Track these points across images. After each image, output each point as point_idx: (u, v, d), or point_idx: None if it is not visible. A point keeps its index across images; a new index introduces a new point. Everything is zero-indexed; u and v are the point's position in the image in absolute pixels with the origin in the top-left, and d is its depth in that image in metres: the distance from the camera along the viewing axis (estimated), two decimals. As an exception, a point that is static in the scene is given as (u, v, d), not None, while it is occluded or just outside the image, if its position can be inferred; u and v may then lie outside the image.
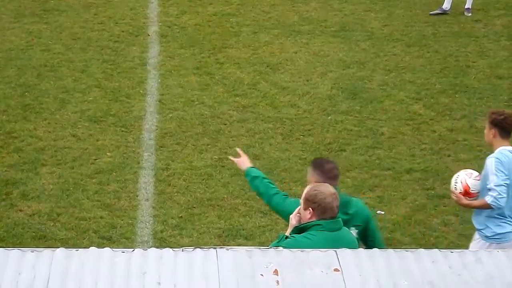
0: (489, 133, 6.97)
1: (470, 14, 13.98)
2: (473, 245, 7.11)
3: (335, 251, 4.72)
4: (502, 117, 6.91)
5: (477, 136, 10.27)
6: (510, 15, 13.93)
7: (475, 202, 6.94)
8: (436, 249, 4.70)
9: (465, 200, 6.96)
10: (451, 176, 9.32)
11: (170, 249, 4.70)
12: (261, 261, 4.61)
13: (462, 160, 9.75)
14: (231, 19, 13.86)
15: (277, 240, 5.63)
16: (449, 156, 9.86)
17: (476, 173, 7.03)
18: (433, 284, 4.45)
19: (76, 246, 8.00)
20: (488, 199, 6.79)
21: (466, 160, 9.74)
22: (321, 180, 6.01)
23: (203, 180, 9.44)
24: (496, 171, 6.79)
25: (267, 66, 12.23)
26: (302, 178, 9.40)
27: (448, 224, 8.62)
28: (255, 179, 6.38)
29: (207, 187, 9.30)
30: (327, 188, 5.64)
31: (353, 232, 6.10)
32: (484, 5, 14.28)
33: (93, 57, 12.35)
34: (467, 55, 12.49)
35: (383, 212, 8.79)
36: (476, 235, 7.07)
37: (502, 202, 6.78)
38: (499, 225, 6.94)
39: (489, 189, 6.80)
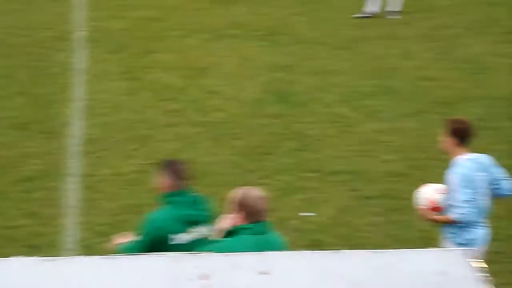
0: (447, 141, 6.88)
1: (395, 17, 14.18)
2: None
3: (263, 253, 4.74)
4: (464, 126, 6.87)
5: (403, 137, 10.42)
6: (435, 17, 14.17)
7: (442, 217, 6.91)
8: (362, 250, 4.75)
9: (432, 215, 6.95)
10: (377, 177, 9.50)
11: (97, 256, 4.66)
12: (189, 266, 4.60)
13: (388, 161, 9.87)
14: (158, 23, 13.81)
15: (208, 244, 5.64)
16: (375, 157, 9.98)
17: (441, 187, 7.00)
18: (359, 284, 4.49)
19: (0, 255, 7.86)
20: (455, 215, 6.76)
21: (392, 161, 9.87)
22: (172, 180, 6.06)
23: (130, 186, 9.38)
24: (461, 186, 6.74)
25: (195, 71, 12.22)
26: (232, 182, 9.40)
27: (374, 225, 8.71)
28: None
29: (134, 193, 9.24)
30: (256, 192, 5.67)
31: (205, 228, 6.18)
32: (408, 8, 14.50)
33: (18, 63, 12.17)
34: (392, 57, 12.67)
35: (311, 214, 8.85)
36: (446, 241, 7.00)
37: (468, 218, 6.77)
38: (469, 231, 6.93)
39: (455, 206, 6.76)
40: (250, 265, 4.61)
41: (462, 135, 6.86)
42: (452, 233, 6.93)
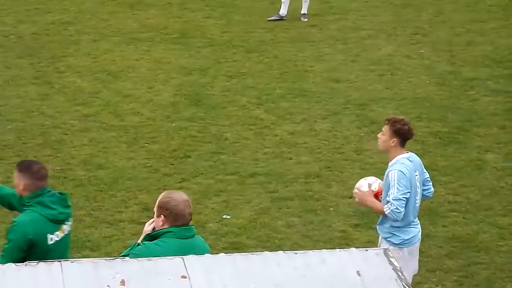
0: (389, 141, 6.91)
1: (306, 20, 14.34)
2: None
3: (182, 258, 4.74)
4: (406, 127, 6.91)
5: (317, 138, 10.54)
6: (345, 19, 14.38)
7: (378, 205, 6.94)
8: (281, 251, 4.80)
9: (370, 198, 6.95)
10: (294, 179, 9.59)
11: (13, 264, 4.59)
12: (108, 272, 4.57)
13: (303, 162, 9.98)
14: (69, 28, 13.66)
15: (129, 248, 5.60)
16: (290, 159, 10.08)
17: (376, 180, 7.09)
18: (279, 286, 4.54)
19: None
20: (386, 210, 6.82)
21: (307, 162, 9.98)
22: (31, 182, 6.03)
23: (45, 192, 9.24)
24: (398, 184, 6.79)
25: (108, 74, 12.13)
26: (148, 186, 9.39)
27: (292, 226, 8.79)
28: None
29: (50, 199, 9.10)
30: (180, 195, 5.64)
31: (71, 221, 6.21)
32: (319, 11, 14.68)
33: None
34: (305, 60, 12.81)
35: (229, 217, 8.88)
36: (384, 242, 7.05)
37: (399, 216, 6.83)
38: (405, 231, 7.00)
39: (388, 201, 6.83)
40: (169, 269, 4.62)
41: (406, 136, 6.96)
42: (390, 236, 7.01)
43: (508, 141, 10.55)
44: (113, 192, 9.22)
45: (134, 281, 4.52)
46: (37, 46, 12.90)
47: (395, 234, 7.01)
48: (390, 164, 6.98)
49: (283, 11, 14.31)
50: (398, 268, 4.70)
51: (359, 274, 4.61)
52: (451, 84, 12.10)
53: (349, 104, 11.42)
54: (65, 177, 9.53)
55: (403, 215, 6.88)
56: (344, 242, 8.44)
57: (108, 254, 7.80)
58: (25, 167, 6.14)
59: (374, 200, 7.01)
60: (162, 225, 5.60)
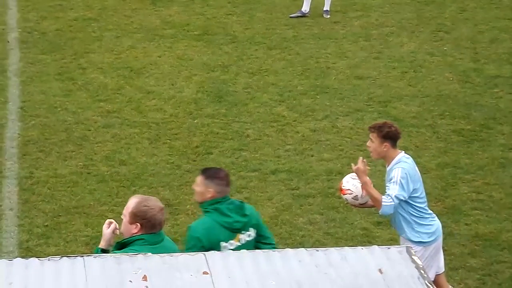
0: (381, 147, 6.93)
1: (328, 16, 14.30)
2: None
3: (204, 254, 4.75)
4: (393, 129, 6.94)
5: (339, 135, 10.52)
6: (367, 16, 14.33)
7: (376, 192, 6.86)
8: (303, 248, 4.79)
9: (369, 180, 6.89)
10: (315, 176, 9.58)
11: (36, 258, 4.62)
12: (130, 268, 4.59)
13: (325, 160, 9.96)
14: (92, 24, 13.70)
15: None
16: (312, 156, 10.06)
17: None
18: (300, 283, 4.53)
19: None
20: (386, 201, 6.78)
21: (329, 160, 9.96)
22: (220, 189, 6.01)
23: (68, 187, 9.30)
24: (401, 182, 6.80)
25: (131, 71, 12.16)
26: (170, 183, 9.41)
27: (314, 223, 8.78)
28: None
29: (72, 194, 9.16)
30: (156, 203, 5.58)
31: (252, 232, 6.15)
32: (342, 7, 14.64)
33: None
34: (327, 57, 12.77)
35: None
36: (404, 239, 7.02)
37: (389, 210, 6.83)
38: (429, 225, 7.00)
39: (388, 195, 6.82)
40: (190, 265, 4.63)
41: (394, 137, 6.97)
42: (411, 229, 6.99)
43: (532, 139, 10.48)
44: (135, 188, 9.24)
45: (155, 276, 4.54)
46: (60, 43, 12.95)
47: (420, 232, 6.99)
48: (391, 164, 6.96)
49: (305, 7, 14.28)
50: (421, 266, 4.69)
51: (381, 272, 4.60)
52: (474, 81, 12.03)
53: (371, 101, 11.39)
54: (88, 173, 9.57)
55: (423, 210, 6.88)
56: (366, 239, 8.42)
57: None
58: (213, 174, 6.10)
59: (371, 185, 6.91)
60: (136, 232, 5.51)
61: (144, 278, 4.52)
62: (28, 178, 9.43)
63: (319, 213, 8.95)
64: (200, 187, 6.10)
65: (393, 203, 6.83)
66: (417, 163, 7.33)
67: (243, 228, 6.09)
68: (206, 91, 11.63)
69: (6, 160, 9.75)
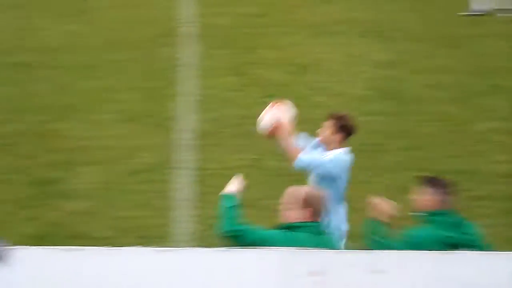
0: (334, 137, 6.90)
1: (508, 14, 13.88)
2: None
3: (376, 252, 4.72)
4: (351, 122, 6.88)
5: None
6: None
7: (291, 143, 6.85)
8: (474, 251, 4.66)
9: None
10: (489, 178, 9.28)
11: (212, 248, 4.73)
12: (306, 261, 4.61)
13: (500, 162, 9.66)
14: (260, 20, 13.89)
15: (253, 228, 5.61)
16: (487, 157, 9.78)
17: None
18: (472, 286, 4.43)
19: (114, 245, 8.04)
20: (303, 157, 6.72)
21: (504, 162, 9.65)
22: (444, 197, 5.85)
23: (240, 180, 9.44)
24: (331, 157, 6.72)
25: (299, 67, 12.21)
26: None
27: (491, 226, 8.53)
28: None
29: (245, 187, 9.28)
30: (319, 192, 5.73)
31: None
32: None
33: (128, 58, 12.43)
34: (504, 56, 12.41)
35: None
36: None
37: (301, 164, 6.69)
38: None
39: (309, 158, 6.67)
40: (364, 262, 4.60)
41: (350, 133, 6.90)
42: None
43: None
44: (301, 184, 9.26)
45: (328, 272, 4.54)
46: (230, 38, 13.20)
47: None
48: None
49: (479, 6, 13.93)
50: None
51: None
52: None
53: None
54: (257, 167, 9.70)
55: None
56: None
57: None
58: (435, 181, 5.98)
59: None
60: (301, 218, 5.51)
61: (314, 273, 4.54)
62: (201, 170, 9.65)
63: (491, 216, 8.69)
64: (427, 196, 5.96)
65: (305, 160, 6.67)
66: None
67: (457, 246, 5.64)
68: (376, 88, 11.53)
69: (181, 152, 10.03)
